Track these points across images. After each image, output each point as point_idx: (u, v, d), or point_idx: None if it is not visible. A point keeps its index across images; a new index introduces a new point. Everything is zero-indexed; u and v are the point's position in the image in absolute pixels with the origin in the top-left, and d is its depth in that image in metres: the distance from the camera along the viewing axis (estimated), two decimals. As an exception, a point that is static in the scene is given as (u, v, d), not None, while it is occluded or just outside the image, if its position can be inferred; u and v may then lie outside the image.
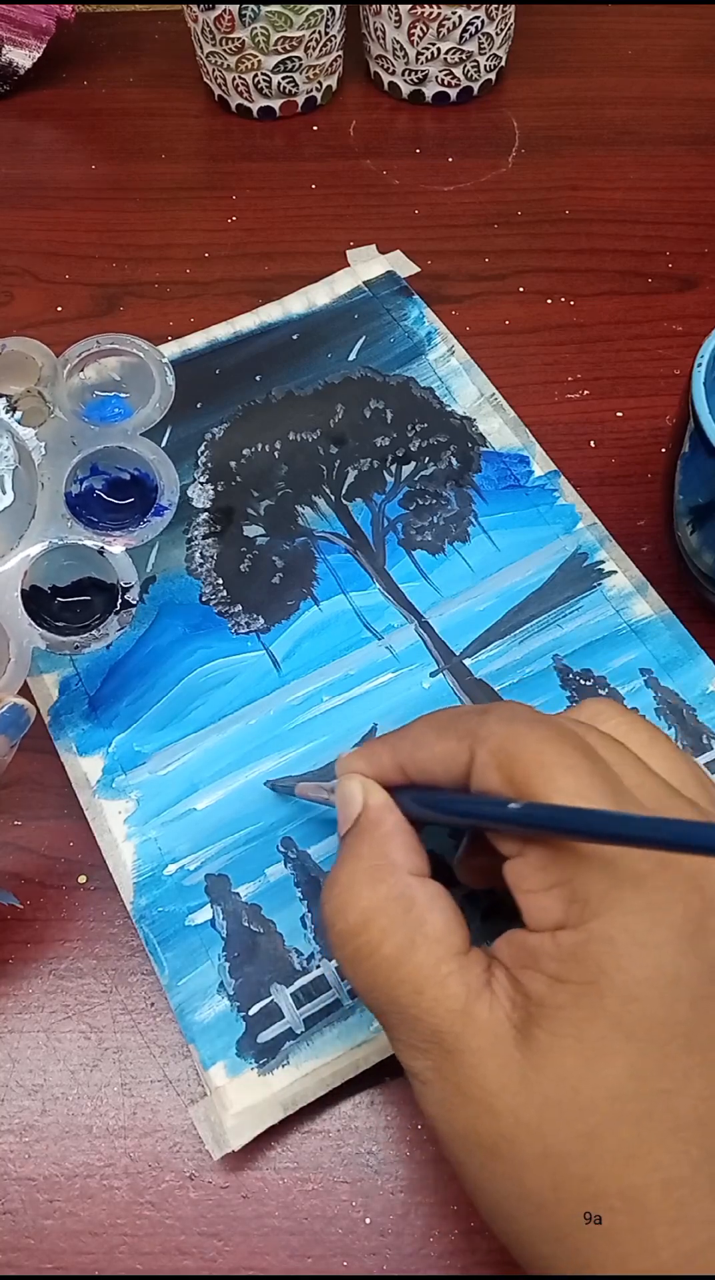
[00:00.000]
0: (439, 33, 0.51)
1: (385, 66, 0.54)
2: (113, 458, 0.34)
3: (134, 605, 0.33)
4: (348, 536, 0.39)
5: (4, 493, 0.33)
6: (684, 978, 0.20)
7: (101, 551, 0.32)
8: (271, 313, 0.45)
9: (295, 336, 0.44)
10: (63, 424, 0.34)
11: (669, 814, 0.22)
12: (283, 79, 0.52)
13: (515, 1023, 0.21)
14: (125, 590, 0.32)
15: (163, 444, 0.38)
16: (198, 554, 0.38)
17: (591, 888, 0.21)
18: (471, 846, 0.27)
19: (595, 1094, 0.20)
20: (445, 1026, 0.22)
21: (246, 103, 0.54)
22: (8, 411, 0.33)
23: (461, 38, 0.51)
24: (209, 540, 0.39)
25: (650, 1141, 0.20)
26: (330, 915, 0.24)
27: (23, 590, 0.32)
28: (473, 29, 0.51)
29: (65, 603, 0.33)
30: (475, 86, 0.54)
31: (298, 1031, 0.30)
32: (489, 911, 0.29)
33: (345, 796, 0.26)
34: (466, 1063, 0.21)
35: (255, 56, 0.51)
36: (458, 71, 0.53)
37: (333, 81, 0.55)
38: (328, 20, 0.51)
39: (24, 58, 0.55)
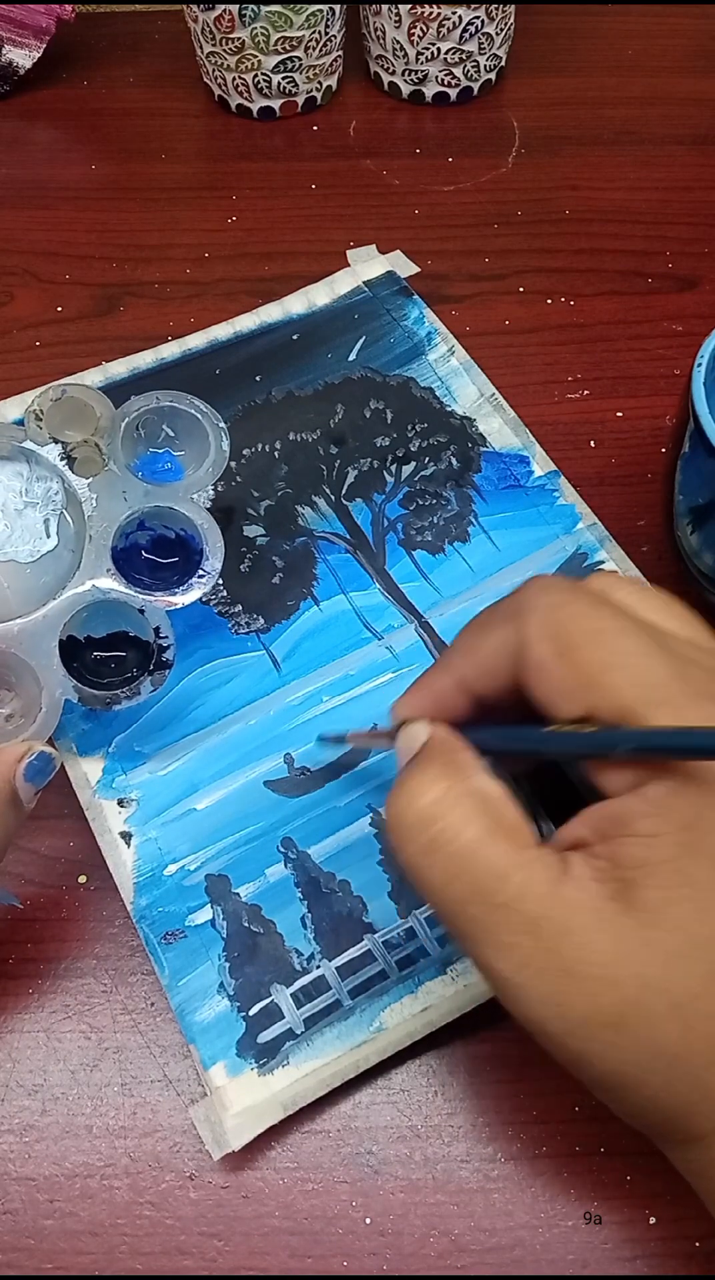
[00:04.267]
0: (439, 33, 0.51)
1: (385, 66, 0.54)
2: (161, 516, 0.34)
3: (169, 666, 0.32)
4: (348, 536, 0.39)
5: (48, 536, 0.33)
6: None
7: (142, 610, 0.32)
8: (271, 313, 0.45)
9: (295, 336, 0.44)
10: (115, 478, 0.33)
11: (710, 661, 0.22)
12: (283, 79, 0.52)
13: (609, 895, 0.21)
14: (162, 650, 0.32)
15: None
16: (198, 554, 0.38)
17: None
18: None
19: (712, 931, 0.20)
20: (541, 911, 0.21)
21: (246, 103, 0.54)
22: (63, 459, 0.33)
23: (461, 38, 0.51)
24: (209, 540, 0.39)
25: None
26: (400, 807, 0.23)
27: (60, 640, 0.32)
28: (473, 29, 0.51)
29: (101, 657, 0.33)
30: (475, 86, 0.54)
31: (298, 1032, 0.30)
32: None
33: (410, 736, 0.25)
34: (574, 943, 0.21)
35: (255, 56, 0.51)
36: (458, 71, 0.53)
37: (333, 81, 0.55)
38: (328, 20, 0.51)
39: (24, 58, 0.55)
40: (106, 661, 0.33)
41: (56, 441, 0.33)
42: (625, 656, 0.21)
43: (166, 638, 0.32)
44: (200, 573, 0.33)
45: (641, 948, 0.20)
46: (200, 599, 0.33)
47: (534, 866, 0.21)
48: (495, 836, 0.22)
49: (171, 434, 0.35)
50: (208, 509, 0.34)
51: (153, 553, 0.34)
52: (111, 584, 0.32)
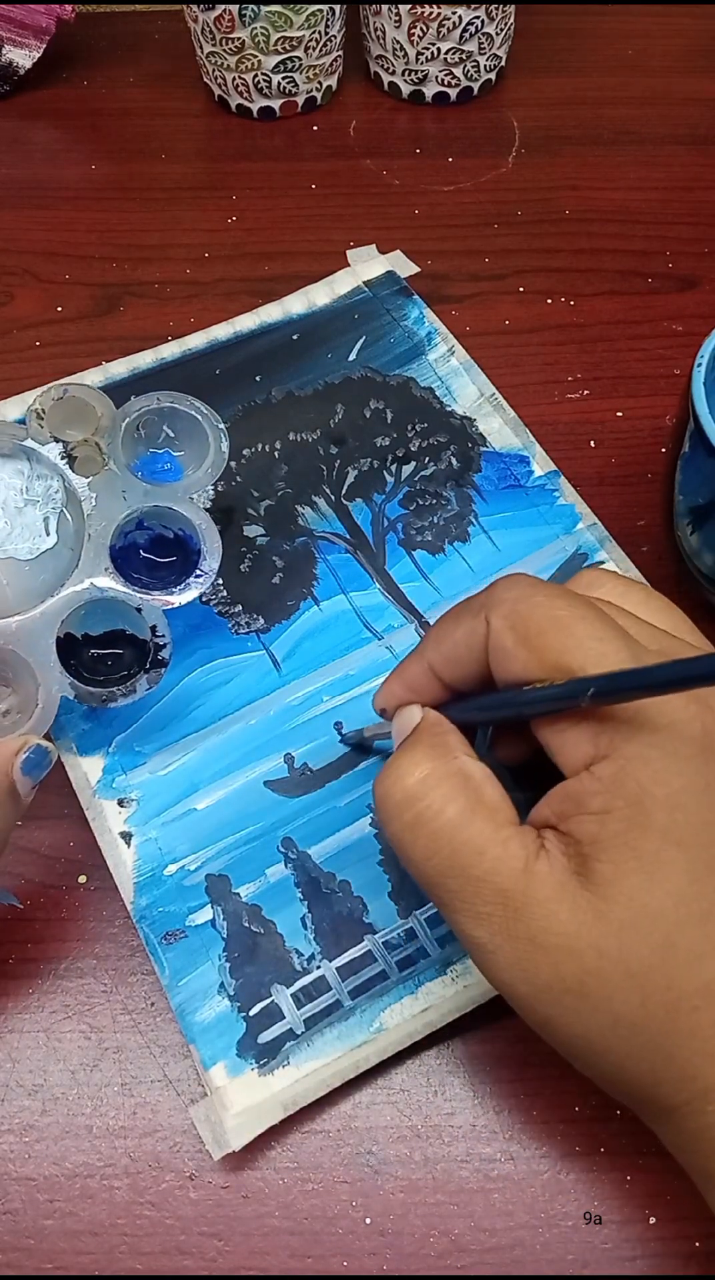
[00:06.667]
0: (439, 33, 0.51)
1: (385, 66, 0.54)
2: (159, 516, 0.34)
3: (165, 665, 0.32)
4: (348, 536, 0.39)
5: (47, 534, 0.33)
6: (713, 784, 0.22)
7: (139, 609, 0.32)
8: (271, 313, 0.45)
9: (295, 336, 0.44)
10: (115, 477, 0.33)
11: (676, 655, 0.24)
12: (283, 79, 0.52)
13: (573, 870, 0.22)
14: (159, 648, 0.32)
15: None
16: (198, 554, 0.38)
17: (616, 715, 0.22)
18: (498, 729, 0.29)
19: (663, 903, 0.22)
20: (511, 885, 0.22)
21: (246, 103, 0.54)
22: (63, 458, 0.33)
23: (461, 38, 0.51)
24: (209, 540, 0.39)
25: None
26: (387, 786, 0.24)
27: (57, 638, 0.32)
28: (473, 29, 0.51)
29: (98, 654, 0.33)
30: (475, 86, 0.54)
31: (298, 1032, 0.30)
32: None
33: (404, 719, 0.27)
34: (538, 914, 0.22)
35: (255, 56, 0.51)
36: (458, 71, 0.53)
37: (333, 81, 0.55)
38: (328, 20, 0.51)
39: (24, 58, 0.55)
40: (103, 659, 0.33)
41: (57, 440, 0.33)
42: (583, 640, 0.23)
43: (163, 636, 0.32)
44: (198, 572, 0.33)
45: (596, 920, 0.22)
46: (200, 599, 0.33)
47: (510, 843, 0.23)
48: (475, 814, 0.23)
49: (171, 434, 0.35)
50: (207, 510, 0.34)
51: (151, 552, 0.34)
52: (109, 582, 0.32)
